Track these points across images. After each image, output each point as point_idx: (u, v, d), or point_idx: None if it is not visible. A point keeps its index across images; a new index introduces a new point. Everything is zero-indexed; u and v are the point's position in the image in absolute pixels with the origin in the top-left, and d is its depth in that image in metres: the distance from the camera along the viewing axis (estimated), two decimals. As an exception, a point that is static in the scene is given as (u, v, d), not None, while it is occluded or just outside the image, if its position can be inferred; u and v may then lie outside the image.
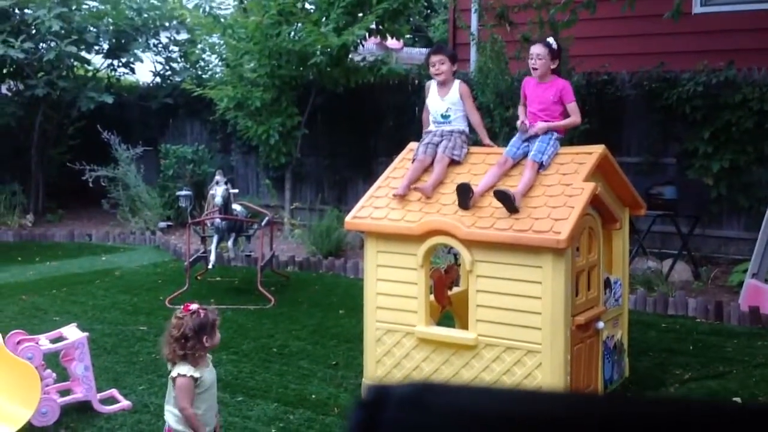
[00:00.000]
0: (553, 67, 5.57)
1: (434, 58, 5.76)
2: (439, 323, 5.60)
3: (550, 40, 5.65)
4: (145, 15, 12.70)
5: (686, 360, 6.07)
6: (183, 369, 3.71)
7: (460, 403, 0.69)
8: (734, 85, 8.71)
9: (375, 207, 5.51)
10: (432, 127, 5.77)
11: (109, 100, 11.92)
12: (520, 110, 5.70)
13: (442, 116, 5.72)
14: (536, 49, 5.55)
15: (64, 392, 5.24)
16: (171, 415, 3.77)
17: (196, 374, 3.71)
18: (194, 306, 3.80)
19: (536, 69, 5.53)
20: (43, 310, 7.61)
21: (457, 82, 5.80)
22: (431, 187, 5.40)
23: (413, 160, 5.65)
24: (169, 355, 3.75)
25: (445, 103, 5.72)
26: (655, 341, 6.53)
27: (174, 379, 3.73)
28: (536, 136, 5.38)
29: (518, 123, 5.61)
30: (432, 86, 5.84)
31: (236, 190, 8.70)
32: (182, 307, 3.84)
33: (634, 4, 7.89)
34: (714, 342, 6.48)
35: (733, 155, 8.69)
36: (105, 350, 6.37)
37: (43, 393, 4.83)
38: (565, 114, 5.53)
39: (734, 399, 5.27)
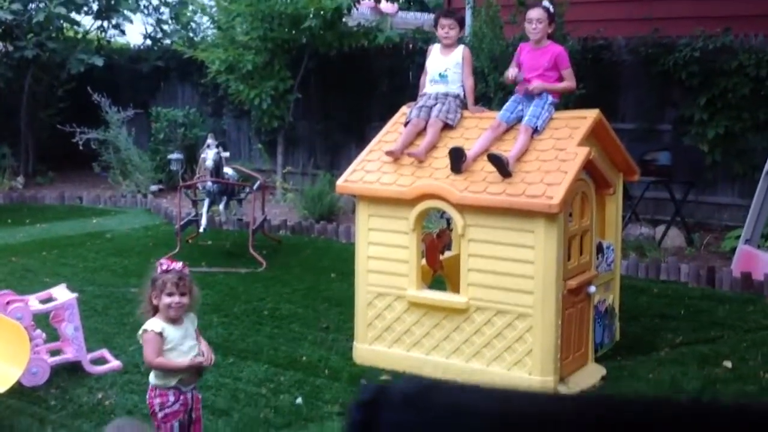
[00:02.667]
0: (549, 31, 5.52)
1: (445, 22, 5.71)
2: (431, 287, 5.58)
3: (547, 3, 5.58)
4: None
5: (677, 325, 6.08)
6: (147, 324, 3.70)
7: (459, 403, 0.69)
8: (731, 51, 8.66)
9: (367, 171, 5.48)
10: (428, 88, 5.72)
11: (99, 62, 11.80)
12: (510, 70, 5.63)
13: (440, 75, 5.67)
14: (535, 14, 5.47)
15: (55, 352, 5.23)
16: (152, 374, 3.77)
17: (158, 329, 3.65)
18: (164, 262, 3.75)
19: (536, 33, 5.46)
20: (33, 272, 7.58)
21: (461, 47, 5.79)
22: (424, 151, 5.36)
23: (406, 123, 5.60)
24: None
25: (445, 63, 5.67)
26: (647, 306, 6.54)
27: (140, 336, 3.73)
28: (531, 99, 5.34)
29: (508, 72, 5.53)
30: (434, 49, 5.81)
31: (227, 154, 8.64)
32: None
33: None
34: (705, 307, 6.49)
35: (729, 122, 8.65)
36: (95, 311, 6.35)
37: (33, 353, 4.82)
38: (561, 80, 5.48)
39: (725, 363, 5.29)
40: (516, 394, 0.74)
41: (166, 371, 3.70)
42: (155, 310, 3.72)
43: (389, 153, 5.39)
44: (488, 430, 0.67)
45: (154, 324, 3.68)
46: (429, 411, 0.69)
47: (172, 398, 3.70)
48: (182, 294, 3.69)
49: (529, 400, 0.72)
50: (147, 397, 3.79)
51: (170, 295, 3.67)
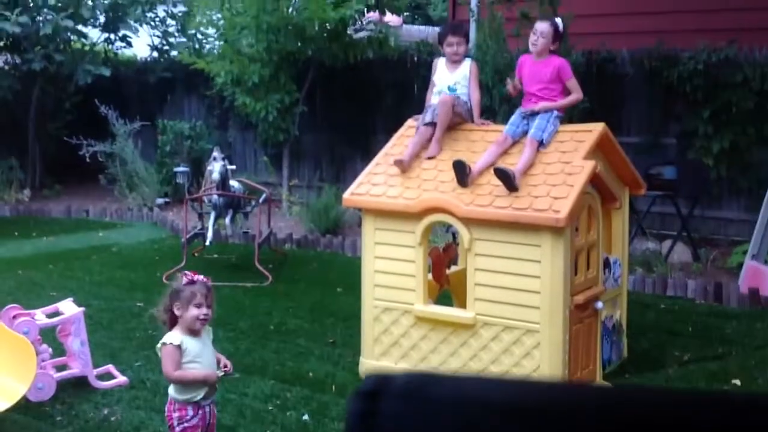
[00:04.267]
0: (552, 48, 5.52)
1: (452, 39, 5.68)
2: (437, 302, 5.57)
3: (558, 20, 5.57)
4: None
5: (685, 341, 6.06)
6: (166, 337, 3.70)
7: (460, 393, 0.69)
8: (735, 64, 8.65)
9: (373, 184, 5.48)
10: (434, 100, 5.71)
11: (106, 72, 11.82)
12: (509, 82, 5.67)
13: (449, 88, 5.67)
14: (542, 26, 5.47)
15: (61, 367, 5.23)
16: (173, 387, 3.77)
17: (177, 341, 3.66)
18: (189, 274, 3.77)
19: (535, 45, 5.47)
20: (39, 285, 7.58)
21: (467, 60, 5.79)
22: (437, 147, 5.45)
23: (418, 128, 5.62)
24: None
25: (454, 77, 5.68)
26: (654, 322, 6.52)
27: (159, 349, 3.73)
28: (536, 113, 5.34)
29: (507, 83, 5.56)
30: (440, 63, 5.80)
31: (233, 167, 8.65)
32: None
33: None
34: (713, 323, 6.47)
35: (734, 136, 8.63)
36: (101, 326, 6.35)
37: (39, 368, 4.82)
38: (565, 92, 5.48)
39: (733, 381, 5.27)
40: (517, 384, 0.74)
41: (186, 384, 3.70)
42: (173, 323, 3.72)
43: (397, 162, 5.40)
44: (490, 420, 0.67)
45: (173, 337, 3.68)
46: (429, 401, 0.69)
47: (191, 412, 3.72)
48: (209, 306, 3.73)
49: (531, 390, 0.71)
50: (165, 410, 3.80)
51: (199, 306, 3.68)
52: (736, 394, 0.68)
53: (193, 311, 3.67)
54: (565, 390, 0.73)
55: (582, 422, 0.65)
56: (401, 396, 0.69)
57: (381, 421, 0.68)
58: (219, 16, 10.81)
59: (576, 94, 5.48)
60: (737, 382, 5.25)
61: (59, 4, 11.32)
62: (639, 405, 0.66)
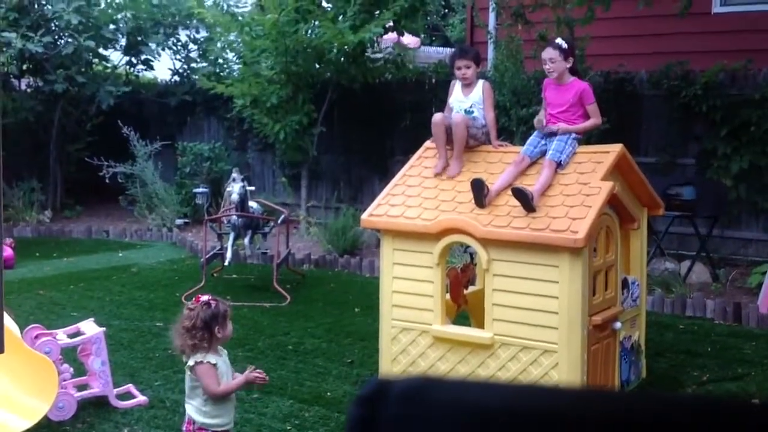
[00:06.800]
0: (569, 65, 5.53)
1: (460, 63, 5.75)
2: (455, 323, 5.58)
3: (559, 40, 5.60)
4: (164, 10, 12.71)
5: (704, 362, 6.03)
6: (199, 357, 3.70)
7: (460, 397, 0.70)
8: (754, 84, 8.63)
9: (391, 205, 5.51)
10: None
11: (127, 88, 11.96)
12: (542, 112, 5.69)
13: (466, 111, 5.72)
14: (547, 54, 5.51)
15: (81, 387, 5.27)
16: (192, 407, 3.75)
17: (213, 360, 3.71)
18: (205, 297, 3.80)
19: (552, 72, 5.49)
20: (60, 305, 7.65)
21: (481, 82, 5.82)
22: (460, 160, 5.60)
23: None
24: (182, 346, 3.75)
25: (470, 100, 5.75)
26: (673, 342, 6.49)
27: (192, 368, 3.71)
28: (554, 134, 5.36)
29: (536, 120, 5.60)
30: (456, 85, 5.85)
31: (252, 188, 8.71)
32: (194, 299, 3.85)
33: (651, 2, 7.85)
34: (732, 344, 6.43)
35: (753, 156, 8.59)
36: (121, 345, 6.39)
37: (60, 387, 4.86)
38: (586, 116, 5.49)
39: (753, 401, 5.22)
40: (518, 389, 0.75)
41: (220, 407, 3.73)
42: (209, 346, 3.73)
43: (436, 172, 5.58)
44: (488, 424, 0.67)
45: (208, 356, 3.72)
46: (429, 406, 0.69)
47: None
48: None
49: (531, 395, 0.72)
50: (183, 429, 3.80)
51: (230, 319, 3.83)
52: (742, 400, 0.69)
53: (230, 325, 3.82)
54: (564, 396, 0.73)
55: (581, 427, 0.66)
56: (401, 400, 0.69)
57: (381, 426, 0.69)
58: (239, 39, 10.92)
59: (594, 119, 5.49)
60: (756, 402, 5.21)
61: (81, 27, 11.47)
62: (640, 410, 0.67)
